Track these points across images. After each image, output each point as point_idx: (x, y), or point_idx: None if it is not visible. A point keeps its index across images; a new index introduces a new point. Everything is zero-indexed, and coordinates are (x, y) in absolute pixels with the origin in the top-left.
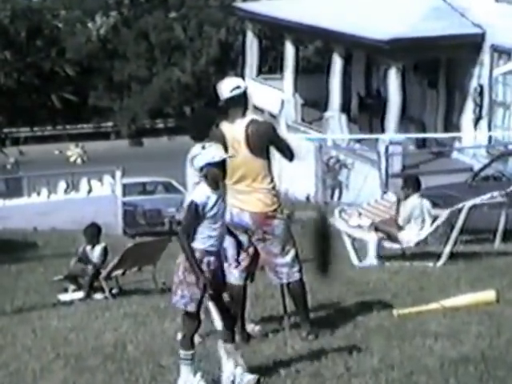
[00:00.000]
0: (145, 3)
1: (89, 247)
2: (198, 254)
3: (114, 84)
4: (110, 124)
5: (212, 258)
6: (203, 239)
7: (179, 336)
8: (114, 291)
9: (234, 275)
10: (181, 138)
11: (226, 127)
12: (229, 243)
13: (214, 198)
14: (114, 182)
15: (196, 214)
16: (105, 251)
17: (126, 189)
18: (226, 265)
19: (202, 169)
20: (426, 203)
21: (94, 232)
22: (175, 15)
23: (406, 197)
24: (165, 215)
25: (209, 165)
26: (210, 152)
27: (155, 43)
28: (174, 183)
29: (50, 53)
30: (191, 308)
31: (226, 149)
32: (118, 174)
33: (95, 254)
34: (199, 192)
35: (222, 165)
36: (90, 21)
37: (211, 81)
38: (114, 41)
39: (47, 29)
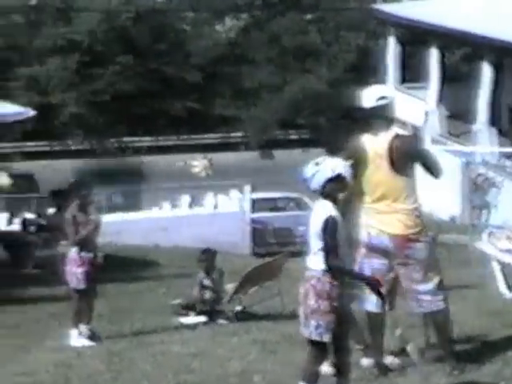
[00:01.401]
0: (278, 4)
1: (204, 274)
2: (328, 277)
3: (242, 92)
4: (238, 134)
5: (327, 279)
6: None
7: None
8: (237, 308)
9: (371, 302)
10: (315, 151)
11: (367, 140)
12: (366, 267)
13: (337, 213)
14: (243, 197)
15: (337, 229)
16: (220, 274)
17: (256, 205)
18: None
19: (324, 186)
20: None
21: (208, 258)
22: (310, 17)
23: None
24: (297, 234)
25: (331, 180)
26: (328, 166)
27: (288, 48)
28: (307, 200)
29: (174, 57)
30: (326, 338)
31: (363, 163)
32: (247, 188)
33: (213, 279)
34: (329, 208)
35: (344, 177)
36: (218, 23)
37: (349, 89)
38: (244, 45)
39: (172, 32)
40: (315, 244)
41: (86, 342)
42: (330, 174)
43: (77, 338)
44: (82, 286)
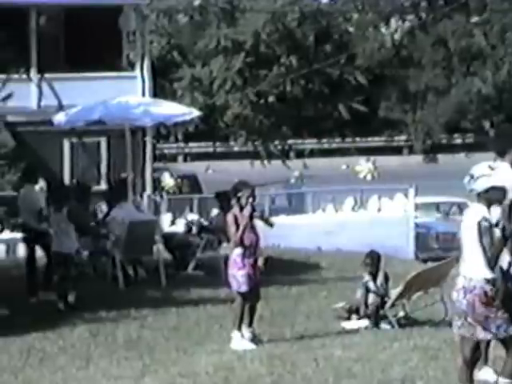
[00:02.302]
0: (444, 6)
1: (369, 277)
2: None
3: (407, 94)
4: (402, 138)
5: (489, 287)
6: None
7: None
8: (400, 313)
9: None
10: (480, 155)
11: None
12: None
13: (490, 217)
14: (407, 202)
15: (490, 229)
16: (385, 279)
17: (419, 209)
18: None
19: (486, 191)
20: None
21: (374, 261)
22: (477, 20)
23: None
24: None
25: (496, 188)
26: (499, 174)
27: (454, 50)
28: (470, 204)
29: (339, 59)
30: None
31: None
32: (411, 192)
33: (378, 283)
34: (482, 211)
35: (507, 191)
36: (383, 25)
37: None
38: (410, 47)
39: (337, 33)
40: (471, 250)
41: (247, 345)
42: (497, 183)
43: (238, 341)
44: (243, 288)
